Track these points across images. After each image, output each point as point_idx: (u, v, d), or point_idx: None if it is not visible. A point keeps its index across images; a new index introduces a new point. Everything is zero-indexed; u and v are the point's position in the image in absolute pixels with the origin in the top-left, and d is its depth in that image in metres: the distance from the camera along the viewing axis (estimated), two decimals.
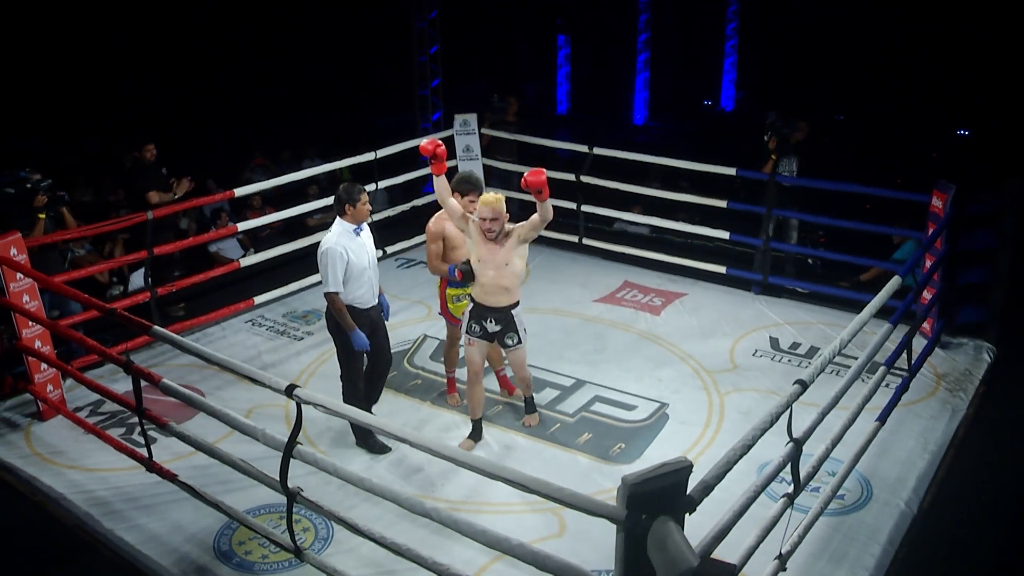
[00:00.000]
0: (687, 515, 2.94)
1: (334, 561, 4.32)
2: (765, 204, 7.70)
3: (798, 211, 7.77)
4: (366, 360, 5.60)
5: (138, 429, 5.33)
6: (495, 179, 9.37)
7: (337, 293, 5.29)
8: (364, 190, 5.37)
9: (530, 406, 5.95)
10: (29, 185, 6.27)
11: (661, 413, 6.04)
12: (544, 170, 5.10)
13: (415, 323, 7.44)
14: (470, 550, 4.32)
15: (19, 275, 5.67)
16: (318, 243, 5.44)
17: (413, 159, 9.97)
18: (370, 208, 5.45)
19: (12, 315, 5.76)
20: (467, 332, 5.55)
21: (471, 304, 5.54)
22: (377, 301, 5.56)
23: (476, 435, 5.70)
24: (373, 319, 5.52)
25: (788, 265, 8.11)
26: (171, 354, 6.75)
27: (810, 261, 8.51)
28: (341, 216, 5.35)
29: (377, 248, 7.98)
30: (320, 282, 5.43)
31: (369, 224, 5.57)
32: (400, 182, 9.03)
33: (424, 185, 10.62)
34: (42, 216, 6.35)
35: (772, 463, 3.83)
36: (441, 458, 3.46)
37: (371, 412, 5.72)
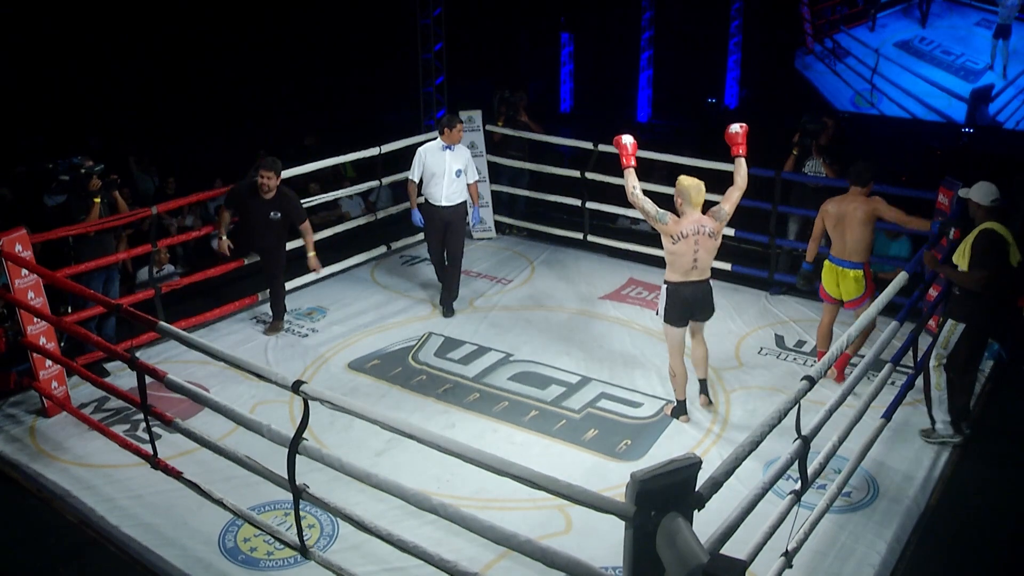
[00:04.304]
0: (695, 512, 2.93)
1: (339, 558, 4.31)
2: (790, 202, 7.70)
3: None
4: (444, 251, 7.48)
5: (143, 425, 5.34)
6: (504, 177, 9.35)
7: (410, 180, 7.41)
8: (461, 121, 7.35)
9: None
10: (83, 170, 6.30)
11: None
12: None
13: (421, 320, 7.43)
14: (476, 546, 4.31)
15: (24, 271, 5.67)
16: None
17: None
18: (461, 135, 7.33)
19: (17, 311, 5.76)
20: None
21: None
22: (449, 204, 7.30)
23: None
24: (444, 217, 7.32)
25: (820, 266, 8.03)
26: (175, 351, 6.74)
27: None
28: (440, 135, 7.32)
29: (381, 244, 8.15)
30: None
31: (466, 154, 7.43)
32: (403, 178, 9.00)
33: None
34: (97, 200, 6.37)
35: (780, 460, 3.81)
36: (447, 453, 3.45)
37: (452, 307, 7.51)
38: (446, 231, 7.37)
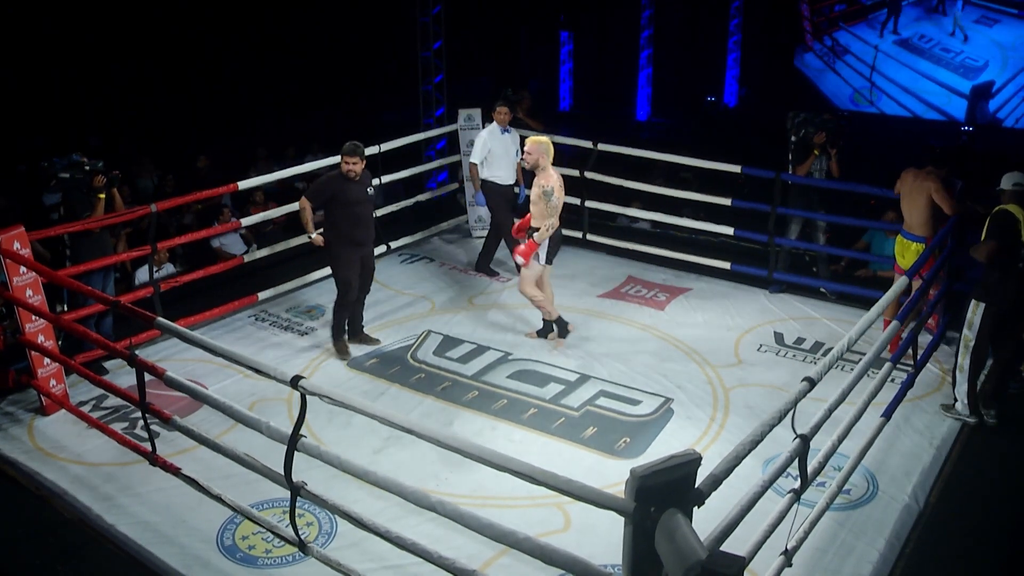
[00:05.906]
0: (695, 508, 2.92)
1: (338, 555, 4.30)
2: (791, 203, 7.70)
3: (825, 212, 7.70)
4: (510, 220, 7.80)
5: (141, 423, 5.32)
6: None
7: (474, 163, 7.89)
8: (502, 103, 7.98)
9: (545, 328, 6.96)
10: (88, 167, 6.27)
11: (666, 408, 6.02)
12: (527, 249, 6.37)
13: (419, 318, 7.42)
14: (475, 544, 4.29)
15: (22, 269, 5.65)
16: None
17: (416, 154, 9.92)
18: (508, 118, 7.98)
19: (15, 309, 5.74)
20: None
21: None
22: (512, 183, 8.01)
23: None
24: (507, 196, 8.01)
25: (820, 265, 8.04)
26: (174, 349, 6.74)
27: (843, 263, 8.52)
28: (492, 121, 7.99)
29: (380, 243, 8.15)
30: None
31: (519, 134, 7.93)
32: (403, 177, 9.01)
33: (427, 181, 10.62)
34: (102, 196, 6.34)
35: (779, 458, 3.80)
36: (447, 450, 3.44)
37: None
38: (507, 204, 8.03)
